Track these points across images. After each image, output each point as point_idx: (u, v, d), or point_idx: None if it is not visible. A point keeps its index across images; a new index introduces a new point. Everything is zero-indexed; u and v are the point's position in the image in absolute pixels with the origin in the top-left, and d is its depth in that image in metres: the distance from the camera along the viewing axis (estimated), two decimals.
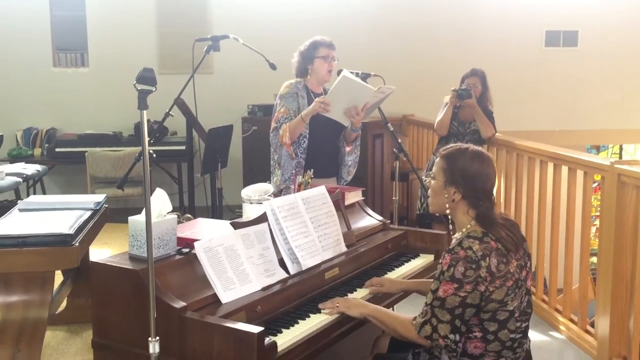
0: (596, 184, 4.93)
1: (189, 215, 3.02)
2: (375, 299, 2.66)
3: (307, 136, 3.85)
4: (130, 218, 2.41)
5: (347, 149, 4.02)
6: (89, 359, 3.24)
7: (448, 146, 2.41)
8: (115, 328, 2.34)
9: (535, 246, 4.49)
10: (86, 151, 6.53)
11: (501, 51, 8.12)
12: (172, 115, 4.46)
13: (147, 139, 2.09)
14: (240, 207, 3.01)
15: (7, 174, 5.53)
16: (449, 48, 8.00)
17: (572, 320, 4.19)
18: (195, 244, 2.34)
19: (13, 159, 6.91)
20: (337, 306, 2.44)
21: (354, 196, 3.27)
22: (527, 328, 2.33)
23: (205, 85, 6.77)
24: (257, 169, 5.80)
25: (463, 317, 2.18)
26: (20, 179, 5.63)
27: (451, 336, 2.19)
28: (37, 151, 7.24)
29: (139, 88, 2.02)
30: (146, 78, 2.02)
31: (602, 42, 8.40)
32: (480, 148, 2.39)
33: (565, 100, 8.41)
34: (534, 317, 3.08)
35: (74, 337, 3.83)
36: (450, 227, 2.44)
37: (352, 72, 3.78)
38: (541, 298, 4.58)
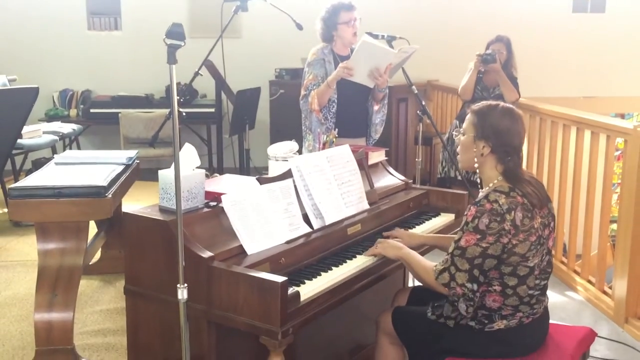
0: (618, 152, 4.91)
1: (217, 174, 3.10)
2: None
3: (336, 101, 3.89)
4: (160, 171, 2.47)
5: (375, 107, 4.05)
6: (121, 306, 3.33)
7: (479, 103, 2.40)
8: (146, 275, 2.42)
9: (555, 211, 4.48)
10: (119, 112, 6.70)
11: (528, 17, 7.98)
12: (201, 75, 4.52)
13: (176, 93, 2.11)
14: (267, 168, 3.06)
15: (44, 132, 5.68)
16: (474, 14, 7.90)
17: (589, 282, 4.22)
18: (223, 197, 2.39)
19: (50, 118, 7.09)
20: (377, 246, 2.57)
21: (377, 156, 3.31)
22: (545, 286, 2.36)
23: (234, 50, 6.79)
24: (284, 131, 5.86)
25: (482, 267, 2.20)
26: (56, 137, 5.76)
27: (468, 285, 2.21)
28: (73, 112, 7.44)
29: (168, 42, 2.04)
30: (175, 33, 2.04)
31: (629, 9, 8.22)
32: (510, 105, 2.39)
33: (591, 67, 8.26)
34: (552, 277, 3.10)
35: (107, 286, 3.96)
36: (479, 186, 2.45)
37: (377, 35, 3.81)
38: (560, 260, 4.60)
